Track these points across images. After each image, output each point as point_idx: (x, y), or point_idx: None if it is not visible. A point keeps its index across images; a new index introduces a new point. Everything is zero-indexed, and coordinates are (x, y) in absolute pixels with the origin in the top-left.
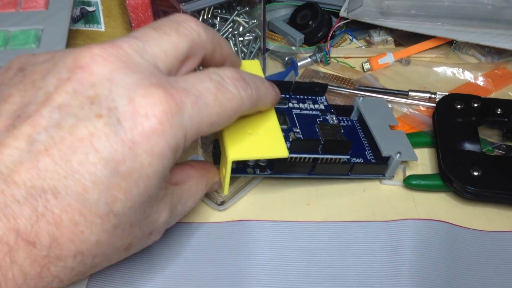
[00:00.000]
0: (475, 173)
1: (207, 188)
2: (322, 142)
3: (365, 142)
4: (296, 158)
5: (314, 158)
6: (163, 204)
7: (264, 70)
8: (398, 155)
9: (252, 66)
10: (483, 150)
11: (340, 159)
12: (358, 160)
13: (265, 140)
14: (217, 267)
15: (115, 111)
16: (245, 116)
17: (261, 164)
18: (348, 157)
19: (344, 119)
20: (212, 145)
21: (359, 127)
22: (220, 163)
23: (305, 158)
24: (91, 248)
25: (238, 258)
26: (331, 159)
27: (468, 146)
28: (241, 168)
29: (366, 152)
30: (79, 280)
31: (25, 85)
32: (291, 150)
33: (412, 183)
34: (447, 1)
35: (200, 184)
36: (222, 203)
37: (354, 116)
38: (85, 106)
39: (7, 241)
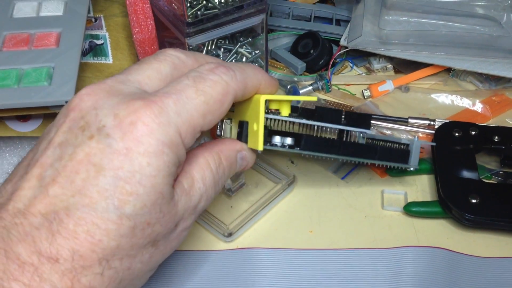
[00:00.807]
0: (473, 201)
1: (227, 160)
2: (343, 113)
3: None
4: (321, 129)
5: (339, 133)
6: (176, 196)
7: None
8: (417, 137)
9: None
10: (481, 176)
11: (363, 136)
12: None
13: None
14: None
15: (103, 129)
16: None
17: (289, 144)
18: (370, 131)
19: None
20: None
21: None
22: (248, 137)
23: (330, 130)
24: (113, 252)
25: (242, 285)
26: (355, 137)
27: (466, 174)
28: (270, 146)
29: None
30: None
31: (36, 146)
32: (315, 118)
33: (412, 210)
34: (444, 30)
35: (209, 156)
36: (230, 234)
37: None
38: (79, 135)
39: (31, 263)
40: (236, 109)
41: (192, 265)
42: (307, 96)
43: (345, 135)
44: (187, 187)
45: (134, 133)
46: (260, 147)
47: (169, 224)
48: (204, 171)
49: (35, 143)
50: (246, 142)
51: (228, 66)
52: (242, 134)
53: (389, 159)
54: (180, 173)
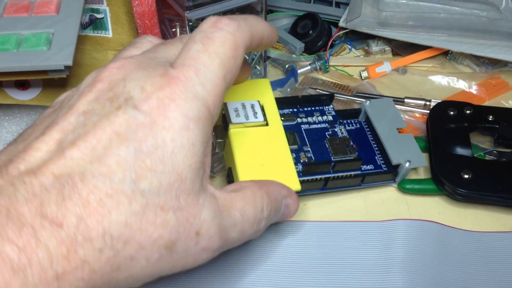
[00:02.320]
0: (466, 176)
1: (275, 202)
2: (332, 163)
3: (374, 145)
4: (308, 179)
5: (326, 177)
6: (202, 199)
7: (265, 76)
8: (408, 163)
9: (262, 85)
10: (475, 155)
11: (351, 174)
12: (369, 167)
13: (278, 173)
14: (215, 263)
15: (131, 100)
16: (258, 144)
17: None
18: (359, 171)
19: (352, 121)
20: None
21: (367, 129)
22: None
23: (317, 178)
24: (120, 230)
25: (235, 254)
26: (343, 175)
27: (460, 151)
28: None
29: (376, 157)
30: (115, 278)
31: (56, 109)
32: (303, 173)
33: (406, 187)
34: (443, 13)
35: (257, 193)
36: None
37: (361, 118)
38: (106, 105)
39: (32, 225)
40: (226, 156)
41: None
42: (293, 181)
43: (332, 177)
44: (221, 204)
45: (160, 108)
46: None
47: (187, 226)
48: (249, 205)
49: (43, 111)
50: None
51: (228, 18)
52: (230, 181)
53: (375, 181)
54: (225, 196)
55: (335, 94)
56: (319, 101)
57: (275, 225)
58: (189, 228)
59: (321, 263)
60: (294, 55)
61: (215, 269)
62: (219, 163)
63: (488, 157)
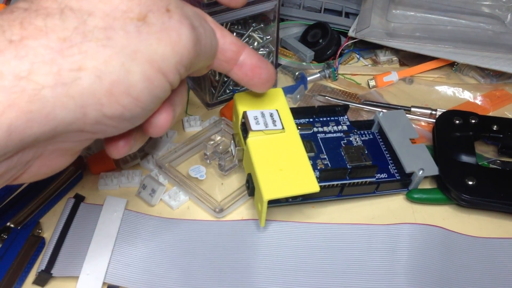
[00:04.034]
0: (470, 183)
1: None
2: (349, 169)
3: (387, 155)
4: (325, 185)
5: (342, 183)
6: None
7: (275, 83)
8: (421, 171)
9: (276, 94)
10: (480, 164)
11: (366, 180)
12: (382, 176)
13: (296, 176)
14: (227, 260)
15: None
16: (275, 150)
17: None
18: (374, 179)
19: (366, 132)
20: (216, 157)
21: (380, 139)
22: (254, 196)
23: (333, 184)
24: (80, 3)
25: (246, 253)
26: (358, 181)
27: (465, 158)
28: (275, 200)
29: (389, 166)
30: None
31: None
32: (320, 179)
33: (414, 196)
34: (449, 26)
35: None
36: (221, 210)
37: (375, 129)
38: None
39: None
40: (245, 163)
41: (200, 234)
42: (312, 182)
43: (348, 184)
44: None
45: None
46: (263, 225)
47: (156, 1)
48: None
49: None
50: (253, 195)
51: None
52: (250, 189)
53: (389, 189)
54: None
55: (343, 101)
56: (334, 111)
57: (281, 225)
58: (158, 3)
59: (327, 264)
60: (304, 63)
61: (221, 268)
62: (230, 162)
63: (492, 167)
